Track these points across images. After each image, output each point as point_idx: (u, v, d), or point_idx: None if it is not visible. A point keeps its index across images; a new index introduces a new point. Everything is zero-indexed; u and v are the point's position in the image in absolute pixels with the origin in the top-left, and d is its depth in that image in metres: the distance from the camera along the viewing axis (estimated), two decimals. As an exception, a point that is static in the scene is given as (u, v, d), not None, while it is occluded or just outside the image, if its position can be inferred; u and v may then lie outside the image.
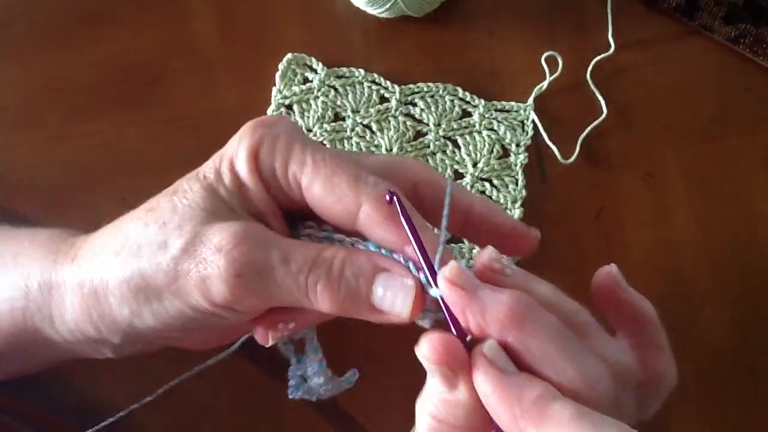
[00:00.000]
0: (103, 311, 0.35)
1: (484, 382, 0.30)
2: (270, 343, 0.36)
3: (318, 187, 0.34)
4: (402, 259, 0.33)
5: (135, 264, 0.34)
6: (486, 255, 0.33)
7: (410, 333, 0.47)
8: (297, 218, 0.37)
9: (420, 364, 0.49)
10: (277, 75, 0.56)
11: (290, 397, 0.41)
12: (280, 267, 0.33)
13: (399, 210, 0.33)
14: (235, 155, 0.35)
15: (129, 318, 0.35)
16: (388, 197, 0.33)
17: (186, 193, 0.35)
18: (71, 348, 0.38)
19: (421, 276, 0.33)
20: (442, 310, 0.32)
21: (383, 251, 0.34)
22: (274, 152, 0.34)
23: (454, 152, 0.56)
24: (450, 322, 0.32)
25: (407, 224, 0.32)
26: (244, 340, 0.40)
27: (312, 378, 0.39)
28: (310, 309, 0.34)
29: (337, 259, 0.33)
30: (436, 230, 0.36)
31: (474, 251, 0.53)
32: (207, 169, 0.36)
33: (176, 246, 0.33)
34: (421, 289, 0.33)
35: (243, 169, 0.35)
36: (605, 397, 0.30)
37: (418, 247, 0.32)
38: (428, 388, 0.32)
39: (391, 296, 0.33)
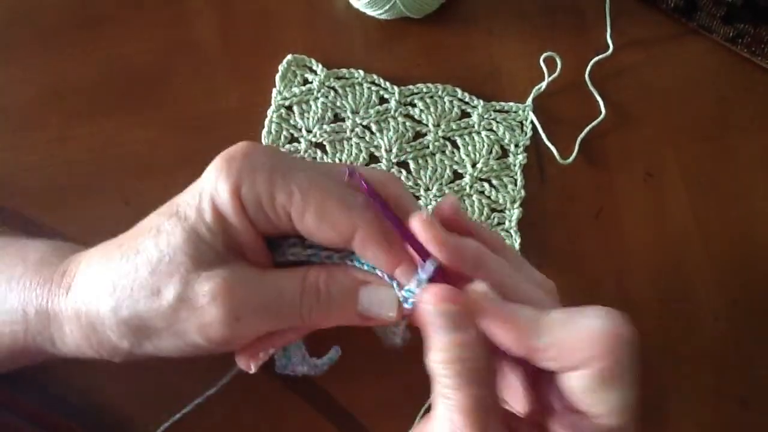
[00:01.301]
0: (102, 340, 0.37)
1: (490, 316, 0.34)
2: (253, 370, 0.39)
3: (310, 217, 0.35)
4: (387, 277, 0.37)
5: (132, 306, 0.35)
6: (448, 202, 0.37)
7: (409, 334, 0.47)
8: (279, 237, 0.38)
9: (418, 365, 0.50)
10: (277, 76, 0.57)
11: (277, 372, 0.43)
12: (274, 302, 0.35)
13: (371, 196, 0.37)
14: (215, 193, 0.35)
15: (129, 348, 0.37)
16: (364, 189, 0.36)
17: (169, 236, 0.35)
18: (75, 358, 0.40)
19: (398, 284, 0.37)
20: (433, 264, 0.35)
21: (366, 266, 0.37)
22: (256, 187, 0.34)
23: (453, 153, 0.56)
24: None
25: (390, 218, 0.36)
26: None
27: (296, 365, 0.42)
28: (286, 333, 0.38)
29: (321, 281, 0.36)
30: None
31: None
32: (186, 207, 0.36)
33: (170, 294, 0.35)
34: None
35: (227, 210, 0.35)
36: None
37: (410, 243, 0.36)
38: (441, 342, 0.33)
39: (378, 305, 0.36)
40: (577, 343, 0.32)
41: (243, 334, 0.36)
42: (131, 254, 0.36)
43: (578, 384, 0.32)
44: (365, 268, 0.37)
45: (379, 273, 0.37)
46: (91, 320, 0.36)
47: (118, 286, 0.36)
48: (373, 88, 0.57)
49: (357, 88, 0.57)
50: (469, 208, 0.55)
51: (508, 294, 0.34)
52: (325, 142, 0.55)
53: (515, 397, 0.37)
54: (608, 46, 0.59)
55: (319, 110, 0.56)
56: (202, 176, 0.36)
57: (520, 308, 0.34)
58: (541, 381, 0.36)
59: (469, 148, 0.56)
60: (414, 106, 0.57)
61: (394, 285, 0.36)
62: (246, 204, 0.35)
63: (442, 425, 0.32)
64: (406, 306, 0.36)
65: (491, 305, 0.33)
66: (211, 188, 0.35)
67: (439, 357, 0.33)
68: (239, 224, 0.35)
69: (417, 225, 0.34)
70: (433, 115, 0.57)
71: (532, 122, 0.57)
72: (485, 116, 0.57)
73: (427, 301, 0.33)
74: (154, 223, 0.36)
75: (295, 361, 0.43)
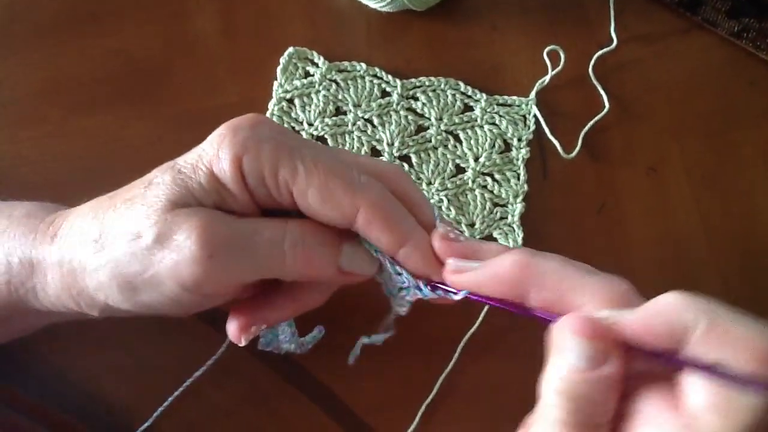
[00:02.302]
0: (81, 290, 0.36)
1: (463, 276, 0.35)
2: (243, 343, 0.38)
3: (313, 195, 0.34)
4: (388, 261, 0.37)
5: (111, 253, 0.35)
6: (441, 228, 0.37)
7: (410, 330, 0.47)
8: (276, 213, 0.38)
9: (421, 359, 0.50)
10: (279, 69, 0.56)
11: (259, 348, 0.43)
12: (252, 239, 0.34)
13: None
14: (215, 159, 0.35)
15: (104, 298, 0.36)
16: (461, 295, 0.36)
17: (158, 185, 0.35)
18: (59, 315, 0.40)
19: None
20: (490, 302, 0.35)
21: (384, 258, 0.37)
22: (260, 159, 0.34)
23: (455, 147, 0.56)
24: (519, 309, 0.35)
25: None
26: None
27: (283, 343, 0.43)
28: (280, 308, 0.38)
29: (306, 227, 0.36)
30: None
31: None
32: (184, 164, 0.36)
33: (149, 235, 0.34)
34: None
35: (226, 177, 0.35)
36: None
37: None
38: (566, 369, 0.30)
39: (359, 259, 0.36)
40: (752, 342, 0.28)
41: (218, 277, 0.34)
42: (120, 204, 0.36)
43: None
44: (374, 253, 0.37)
45: (381, 257, 0.37)
46: (72, 267, 0.36)
47: (103, 232, 0.35)
48: (375, 81, 0.57)
49: (359, 81, 0.57)
50: (472, 203, 0.54)
51: (575, 292, 0.32)
52: (326, 136, 0.55)
53: None
54: (612, 40, 0.59)
55: (321, 103, 0.56)
56: (206, 140, 0.36)
57: (655, 309, 0.30)
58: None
59: (472, 142, 0.56)
60: (416, 99, 0.57)
61: (403, 272, 0.36)
62: (246, 175, 0.34)
63: None
64: (420, 294, 0.37)
65: (629, 327, 0.30)
66: (212, 153, 0.35)
67: (557, 386, 0.30)
68: (238, 194, 0.35)
69: (448, 276, 0.35)
70: (435, 108, 0.56)
71: (535, 116, 0.57)
72: (488, 110, 0.57)
73: (565, 326, 0.30)
74: (149, 177, 0.37)
75: (283, 338, 0.43)
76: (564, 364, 0.30)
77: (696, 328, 0.29)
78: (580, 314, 0.31)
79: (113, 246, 0.35)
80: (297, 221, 0.36)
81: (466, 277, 0.34)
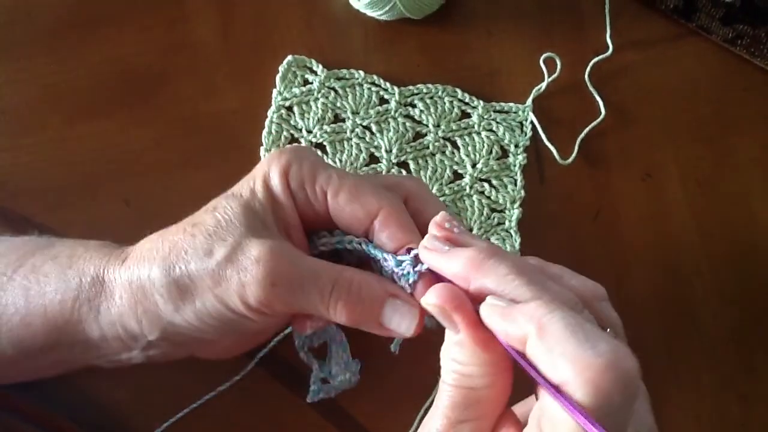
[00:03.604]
0: (149, 306, 0.39)
1: (429, 254, 0.37)
2: (308, 331, 0.42)
3: (344, 196, 0.40)
4: (393, 260, 0.39)
5: (183, 267, 0.39)
6: (439, 216, 0.39)
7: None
8: (311, 231, 0.43)
9: (420, 364, 0.50)
10: (278, 77, 0.57)
11: (309, 401, 0.45)
12: (309, 282, 0.38)
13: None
14: (267, 175, 0.41)
15: (171, 314, 0.39)
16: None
17: (226, 209, 0.40)
18: (104, 347, 0.41)
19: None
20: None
21: (379, 254, 0.40)
22: (302, 171, 0.41)
23: (453, 153, 0.56)
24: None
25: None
26: (260, 357, 0.48)
27: (338, 375, 0.46)
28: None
29: (355, 281, 0.39)
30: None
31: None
32: (242, 189, 0.41)
33: (221, 253, 0.38)
34: (422, 314, 0.39)
35: (276, 187, 0.41)
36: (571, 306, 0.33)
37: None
38: (446, 337, 0.35)
39: (398, 319, 0.39)
40: (573, 356, 0.28)
41: (276, 304, 0.38)
42: (189, 227, 0.40)
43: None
44: (378, 255, 0.40)
45: (390, 257, 0.39)
46: (142, 283, 0.39)
47: (173, 249, 0.39)
48: (373, 88, 0.57)
49: (357, 88, 0.57)
50: (469, 209, 0.55)
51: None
52: (325, 143, 0.55)
53: None
54: (608, 47, 0.59)
55: (320, 111, 0.56)
56: (256, 167, 0.42)
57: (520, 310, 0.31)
58: None
59: (469, 148, 0.56)
60: (414, 106, 0.57)
61: (407, 259, 0.39)
62: (291, 182, 0.40)
63: (434, 409, 0.35)
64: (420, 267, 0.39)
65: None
66: (264, 171, 0.41)
67: (443, 348, 0.35)
68: (285, 201, 0.41)
69: (420, 249, 0.38)
70: (433, 115, 0.57)
71: (531, 123, 0.57)
72: (485, 117, 0.57)
73: (426, 300, 0.35)
74: (211, 205, 0.41)
75: (336, 371, 0.45)
76: (447, 333, 0.35)
77: (530, 336, 0.30)
78: (442, 284, 0.34)
79: (184, 261, 0.39)
80: (351, 271, 0.39)
81: (429, 255, 0.37)
